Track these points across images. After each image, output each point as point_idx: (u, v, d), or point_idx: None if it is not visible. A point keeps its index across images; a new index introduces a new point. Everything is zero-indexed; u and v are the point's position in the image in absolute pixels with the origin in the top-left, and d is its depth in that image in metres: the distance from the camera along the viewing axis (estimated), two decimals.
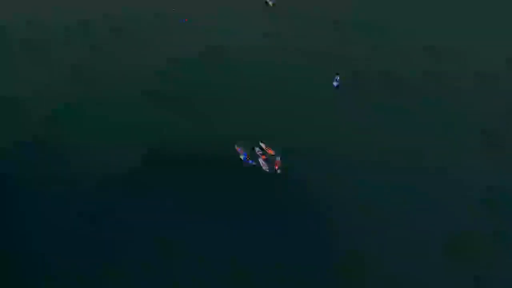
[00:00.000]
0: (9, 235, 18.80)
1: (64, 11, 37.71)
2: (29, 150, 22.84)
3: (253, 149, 21.93)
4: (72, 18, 36.51)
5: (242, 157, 21.71)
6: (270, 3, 39.02)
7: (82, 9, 37.82)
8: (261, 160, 21.41)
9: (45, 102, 26.31)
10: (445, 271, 17.41)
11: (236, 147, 21.99)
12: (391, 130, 23.72)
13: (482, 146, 22.76)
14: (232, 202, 19.68)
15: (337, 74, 27.03)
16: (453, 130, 23.86)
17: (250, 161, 21.51)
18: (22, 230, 19.02)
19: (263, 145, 21.96)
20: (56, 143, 23.28)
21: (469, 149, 22.54)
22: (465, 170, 21.36)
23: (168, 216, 19.25)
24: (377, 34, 33.07)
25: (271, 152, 21.70)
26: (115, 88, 27.55)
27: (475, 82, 27.75)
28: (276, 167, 21.12)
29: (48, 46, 32.21)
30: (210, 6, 38.50)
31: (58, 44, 32.43)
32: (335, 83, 27.00)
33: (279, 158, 21.21)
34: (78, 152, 22.64)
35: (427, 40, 32.18)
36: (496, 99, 26.02)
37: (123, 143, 23.18)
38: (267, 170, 21.01)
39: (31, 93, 27.02)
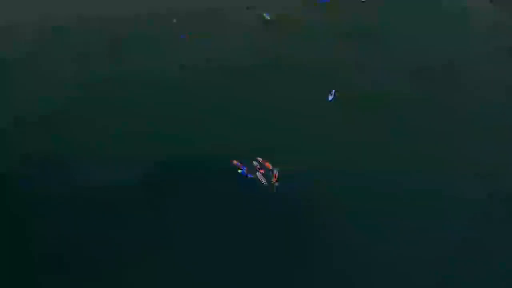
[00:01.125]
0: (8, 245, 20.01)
1: (61, 21, 38.93)
2: (30, 165, 23.99)
3: (252, 163, 22.99)
4: (70, 28, 37.87)
5: (240, 170, 22.80)
6: (268, 17, 40.27)
7: (81, 20, 39.08)
8: (258, 174, 22.48)
9: (45, 116, 27.62)
10: None
11: (235, 162, 23.08)
12: (384, 142, 24.71)
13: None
14: (231, 213, 20.75)
15: (333, 90, 28.12)
16: (446, 143, 24.76)
17: (249, 175, 22.59)
18: (20, 238, 20.27)
19: (260, 160, 23.03)
20: (55, 157, 24.44)
21: (461, 165, 23.34)
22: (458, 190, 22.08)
23: (169, 228, 20.34)
24: (370, 51, 34.13)
25: (268, 166, 22.77)
26: (116, 103, 28.76)
27: (466, 99, 28.59)
28: (274, 180, 22.18)
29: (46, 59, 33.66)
30: (208, 21, 39.78)
31: (56, 57, 33.78)
32: (330, 97, 28.11)
33: (276, 172, 22.27)
34: (77, 168, 23.70)
35: (420, 57, 33.14)
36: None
37: (123, 157, 24.25)
38: (265, 183, 22.08)
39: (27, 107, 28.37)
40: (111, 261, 19.11)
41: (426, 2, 41.55)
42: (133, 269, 18.82)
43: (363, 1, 42.40)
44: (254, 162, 23.19)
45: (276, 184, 22.02)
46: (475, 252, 19.35)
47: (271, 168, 22.68)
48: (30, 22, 37.98)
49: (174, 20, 39.84)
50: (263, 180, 22.23)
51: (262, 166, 22.92)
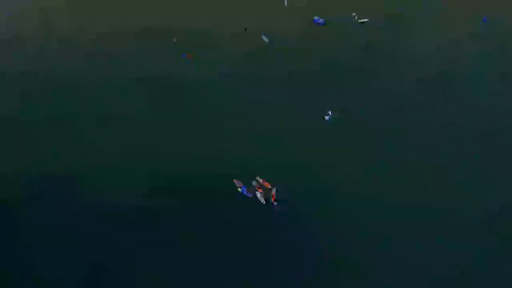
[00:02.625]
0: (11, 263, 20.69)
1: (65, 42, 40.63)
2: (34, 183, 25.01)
3: (252, 183, 24.02)
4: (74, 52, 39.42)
5: (240, 189, 23.83)
6: (266, 39, 41.58)
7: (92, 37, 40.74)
8: (258, 193, 23.49)
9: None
10: None
11: (235, 181, 24.13)
12: (380, 160, 25.66)
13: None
14: (230, 230, 21.53)
15: (330, 111, 29.27)
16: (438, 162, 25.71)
17: (249, 194, 23.60)
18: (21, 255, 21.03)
19: (259, 179, 24.06)
20: (59, 177, 25.47)
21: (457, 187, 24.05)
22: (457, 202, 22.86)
23: (169, 247, 21.08)
24: (366, 75, 35.35)
25: (267, 185, 23.78)
26: (117, 122, 30.03)
27: (462, 116, 29.67)
28: (273, 199, 23.16)
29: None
30: (208, 42, 41.18)
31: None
32: (327, 117, 29.22)
33: (274, 191, 23.27)
34: (80, 186, 24.71)
35: (415, 76, 34.30)
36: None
37: (124, 179, 25.21)
38: (263, 202, 23.08)
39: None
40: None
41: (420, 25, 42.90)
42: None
43: (361, 22, 43.83)
44: (253, 181, 24.20)
45: (275, 203, 22.98)
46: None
47: (269, 187, 23.68)
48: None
49: (174, 39, 41.33)
50: (262, 199, 23.20)
51: (261, 186, 23.92)
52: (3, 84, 35.15)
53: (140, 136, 28.82)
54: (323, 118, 29.14)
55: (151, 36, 42.35)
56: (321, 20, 44.24)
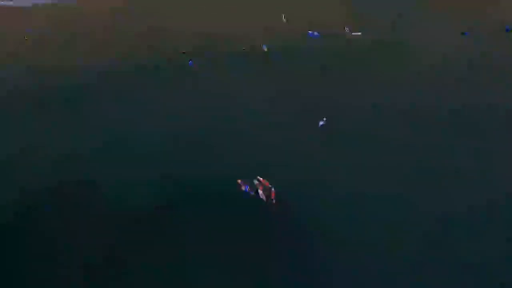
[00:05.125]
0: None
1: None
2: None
3: (253, 182, 26.46)
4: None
5: (243, 188, 26.27)
6: (265, 49, 44.54)
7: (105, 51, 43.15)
8: (259, 191, 25.94)
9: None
10: None
11: (238, 181, 26.56)
12: (371, 163, 28.21)
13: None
14: (233, 225, 23.83)
15: (324, 118, 31.99)
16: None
17: (250, 192, 26.03)
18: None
19: (260, 179, 26.49)
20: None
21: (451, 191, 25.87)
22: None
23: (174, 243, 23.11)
24: (360, 83, 38.21)
25: (267, 184, 26.22)
26: (122, 128, 32.26)
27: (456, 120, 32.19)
28: (272, 197, 25.62)
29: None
30: (209, 53, 43.92)
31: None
32: (321, 122, 31.89)
33: (273, 189, 25.73)
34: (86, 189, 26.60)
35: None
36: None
37: (127, 182, 27.00)
38: (264, 199, 25.52)
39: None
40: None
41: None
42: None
43: (353, 35, 46.90)
44: (254, 181, 26.63)
45: (274, 199, 25.44)
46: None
47: (269, 186, 26.12)
48: None
49: (183, 51, 44.01)
50: (262, 197, 25.64)
51: (261, 185, 26.34)
52: None
53: (142, 134, 31.28)
54: (318, 124, 31.82)
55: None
56: (316, 34, 47.27)
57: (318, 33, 47.39)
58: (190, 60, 41.71)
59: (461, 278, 20.57)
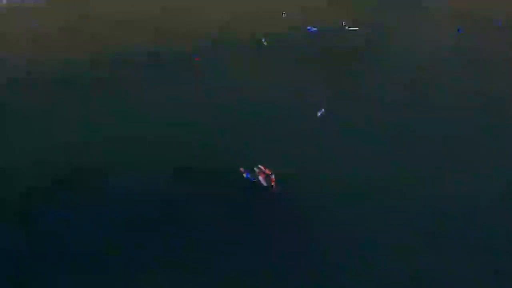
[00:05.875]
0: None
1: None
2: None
3: (254, 169, 27.96)
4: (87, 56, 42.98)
5: (245, 175, 27.80)
6: (265, 43, 45.90)
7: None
8: (260, 178, 27.47)
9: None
10: None
11: (241, 169, 28.08)
12: (367, 151, 29.74)
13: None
14: (237, 209, 25.35)
15: (322, 109, 33.52)
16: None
17: (252, 179, 27.57)
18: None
19: (261, 167, 28.00)
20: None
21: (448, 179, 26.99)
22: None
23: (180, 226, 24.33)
24: (357, 73, 39.69)
25: (267, 171, 27.73)
26: (128, 122, 33.51)
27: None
28: (272, 183, 27.17)
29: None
30: (211, 47, 45.27)
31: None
32: (319, 114, 33.43)
33: (273, 176, 27.26)
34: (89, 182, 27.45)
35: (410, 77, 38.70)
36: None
37: (131, 171, 28.13)
38: (265, 185, 27.08)
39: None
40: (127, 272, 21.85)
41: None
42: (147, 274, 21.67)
43: (349, 29, 48.30)
44: (255, 168, 28.14)
45: (274, 185, 27.00)
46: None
47: (270, 173, 27.65)
48: None
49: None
50: (264, 183, 27.21)
51: (263, 172, 27.86)
52: None
53: (146, 123, 32.71)
54: (317, 114, 33.36)
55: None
56: (314, 29, 48.65)
57: (316, 28, 48.72)
58: (195, 54, 43.03)
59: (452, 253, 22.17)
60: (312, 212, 24.85)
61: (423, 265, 21.52)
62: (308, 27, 49.01)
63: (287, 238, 23.42)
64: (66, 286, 20.93)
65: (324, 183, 26.88)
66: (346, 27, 48.86)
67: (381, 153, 29.34)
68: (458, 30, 47.70)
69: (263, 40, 46.16)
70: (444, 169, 27.84)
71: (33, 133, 32.35)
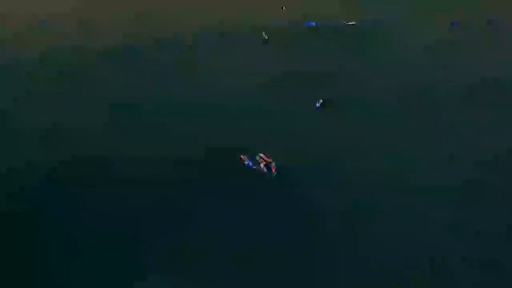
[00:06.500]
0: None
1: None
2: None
3: (255, 157, 29.33)
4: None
5: (246, 163, 29.16)
6: (266, 36, 47.09)
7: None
8: (261, 165, 28.83)
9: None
10: None
11: (242, 156, 29.45)
12: (368, 141, 31.04)
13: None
14: (237, 194, 26.51)
15: (320, 100, 34.93)
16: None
17: (253, 166, 28.93)
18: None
19: (262, 155, 29.37)
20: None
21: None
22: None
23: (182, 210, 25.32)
24: (357, 65, 40.97)
25: (268, 159, 29.12)
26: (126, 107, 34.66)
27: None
28: (273, 170, 28.56)
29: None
30: (212, 41, 46.43)
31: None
32: (317, 104, 34.85)
33: (274, 164, 28.64)
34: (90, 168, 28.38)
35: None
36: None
37: (131, 157, 29.12)
38: (265, 172, 28.47)
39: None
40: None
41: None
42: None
43: (347, 24, 49.53)
44: (257, 156, 29.50)
45: (274, 173, 28.39)
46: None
47: (270, 161, 29.02)
48: None
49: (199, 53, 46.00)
50: (264, 170, 28.58)
51: (263, 160, 29.23)
52: None
53: (152, 113, 33.87)
54: (317, 101, 34.91)
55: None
56: (313, 23, 49.89)
57: (315, 22, 49.94)
58: (196, 49, 44.26)
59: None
60: (312, 199, 25.96)
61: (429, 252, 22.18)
62: (307, 22, 50.20)
63: (287, 224, 24.45)
64: (65, 280, 21.27)
65: (325, 170, 28.19)
66: (344, 22, 50.08)
67: (381, 142, 30.68)
68: (452, 24, 48.97)
69: (263, 33, 47.32)
70: (451, 156, 29.04)
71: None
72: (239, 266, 21.80)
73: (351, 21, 49.86)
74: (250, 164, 28.94)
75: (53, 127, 32.56)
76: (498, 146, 30.00)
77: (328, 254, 22.40)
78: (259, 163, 28.83)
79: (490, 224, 23.80)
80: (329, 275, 21.32)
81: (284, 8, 54.22)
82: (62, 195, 26.38)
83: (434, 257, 21.96)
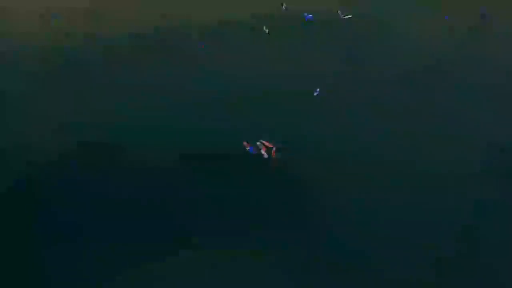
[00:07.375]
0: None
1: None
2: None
3: (256, 143, 31.26)
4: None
5: (248, 148, 31.11)
6: (266, 30, 48.75)
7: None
8: (262, 151, 30.79)
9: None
10: None
11: (244, 143, 31.39)
12: (364, 126, 32.93)
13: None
14: (239, 179, 28.37)
15: (317, 89, 36.79)
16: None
17: (255, 151, 30.87)
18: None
19: (263, 142, 31.32)
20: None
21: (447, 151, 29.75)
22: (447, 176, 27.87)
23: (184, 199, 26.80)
24: (356, 57, 42.72)
25: (269, 144, 31.06)
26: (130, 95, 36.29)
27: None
28: (273, 155, 30.50)
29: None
30: (215, 35, 48.01)
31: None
32: (315, 93, 36.72)
33: (274, 149, 30.58)
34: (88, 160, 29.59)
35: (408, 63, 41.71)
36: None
37: (135, 144, 30.72)
38: (266, 157, 30.42)
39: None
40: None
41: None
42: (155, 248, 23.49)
43: (344, 17, 51.15)
44: (258, 142, 31.44)
45: (275, 157, 30.34)
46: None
47: (271, 146, 30.97)
48: None
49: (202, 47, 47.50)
50: (265, 155, 30.53)
51: (264, 145, 31.17)
52: None
53: (157, 105, 35.42)
54: (315, 89, 36.83)
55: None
56: (310, 16, 51.53)
57: (312, 15, 51.62)
58: (200, 41, 45.92)
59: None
60: (312, 183, 27.81)
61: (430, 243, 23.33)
62: (305, 14, 51.85)
63: (287, 209, 26.06)
64: (64, 272, 22.23)
65: (325, 154, 30.07)
66: (341, 14, 51.74)
67: (379, 128, 32.56)
68: (445, 17, 50.59)
69: (264, 28, 48.93)
70: (449, 143, 30.66)
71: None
72: (239, 257, 23.00)
73: (348, 14, 51.51)
74: (252, 150, 30.89)
75: (63, 117, 34.33)
76: (502, 141, 30.96)
77: (328, 251, 23.31)
78: (260, 149, 30.79)
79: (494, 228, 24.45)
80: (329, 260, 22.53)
81: (284, 5, 55.77)
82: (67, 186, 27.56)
83: (441, 257, 22.73)
